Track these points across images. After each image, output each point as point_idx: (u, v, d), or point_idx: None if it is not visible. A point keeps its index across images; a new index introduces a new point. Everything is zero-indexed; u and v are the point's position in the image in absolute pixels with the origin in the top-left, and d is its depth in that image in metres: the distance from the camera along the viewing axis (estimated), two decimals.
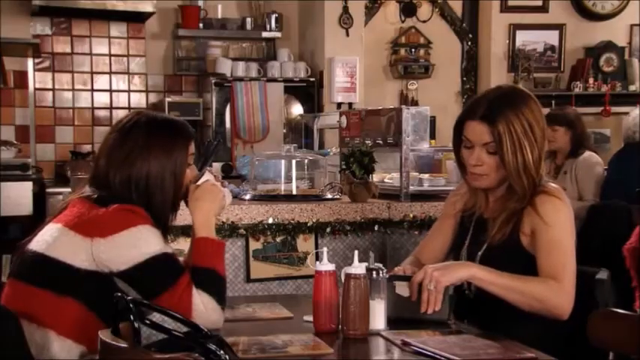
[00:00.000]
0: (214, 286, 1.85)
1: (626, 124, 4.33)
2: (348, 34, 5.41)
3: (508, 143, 1.97)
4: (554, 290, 1.92)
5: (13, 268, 1.90)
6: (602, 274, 2.03)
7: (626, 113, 5.89)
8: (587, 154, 4.28)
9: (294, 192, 3.39)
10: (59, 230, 1.83)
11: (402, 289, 1.97)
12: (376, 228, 3.16)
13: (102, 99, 5.49)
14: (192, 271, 1.85)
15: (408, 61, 5.99)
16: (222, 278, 1.89)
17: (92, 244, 1.78)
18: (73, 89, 5.42)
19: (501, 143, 1.98)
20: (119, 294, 1.45)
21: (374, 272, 1.89)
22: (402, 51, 6.01)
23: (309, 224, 3.09)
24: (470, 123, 2.04)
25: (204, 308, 1.80)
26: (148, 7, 5.09)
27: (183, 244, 2.99)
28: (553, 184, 2.04)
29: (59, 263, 1.79)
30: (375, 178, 3.40)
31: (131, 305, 1.44)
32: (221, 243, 1.95)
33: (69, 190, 3.84)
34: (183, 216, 2.98)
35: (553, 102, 5.57)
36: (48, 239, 1.84)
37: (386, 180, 3.61)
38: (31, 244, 1.87)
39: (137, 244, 1.79)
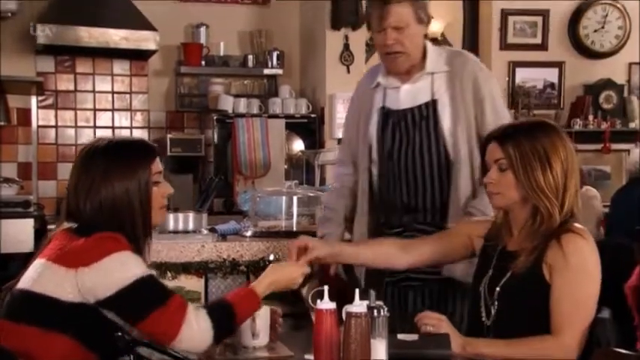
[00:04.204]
0: (220, 314, 1.86)
1: (632, 160, 4.36)
2: (349, 71, 5.46)
3: (518, 159, 2.02)
4: (551, 349, 1.94)
5: (2, 309, 1.89)
6: (604, 313, 2.03)
7: (627, 150, 5.94)
8: (584, 188, 4.30)
9: (295, 228, 3.38)
10: (43, 265, 1.84)
11: (404, 335, 1.99)
12: None
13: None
14: (215, 300, 1.89)
15: None
16: (234, 316, 1.89)
17: (76, 275, 1.78)
18: (76, 126, 5.45)
19: (510, 159, 2.03)
20: (119, 334, 1.45)
21: (375, 311, 1.88)
22: None
23: None
24: (488, 146, 2.12)
25: (195, 324, 1.80)
26: (151, 45, 5.13)
27: (184, 282, 2.99)
28: (579, 225, 2.04)
29: (45, 298, 1.79)
30: None
31: (131, 344, 1.43)
32: (258, 303, 1.97)
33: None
34: (184, 253, 3.00)
35: None
36: (33, 275, 1.84)
37: None
38: (19, 282, 1.87)
39: (121, 268, 1.79)
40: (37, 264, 1.86)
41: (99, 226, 1.86)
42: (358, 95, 2.78)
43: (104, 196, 1.88)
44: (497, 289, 2.06)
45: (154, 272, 1.86)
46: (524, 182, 2.02)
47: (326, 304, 1.86)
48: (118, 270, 1.79)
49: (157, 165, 1.98)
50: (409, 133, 2.58)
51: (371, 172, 2.67)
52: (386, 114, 2.63)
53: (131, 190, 1.90)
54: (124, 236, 1.86)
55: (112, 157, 1.93)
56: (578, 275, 1.96)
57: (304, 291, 2.52)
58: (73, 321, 1.79)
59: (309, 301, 1.96)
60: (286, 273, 2.08)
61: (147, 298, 1.80)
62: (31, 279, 1.84)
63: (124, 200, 1.89)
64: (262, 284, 2.00)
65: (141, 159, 1.95)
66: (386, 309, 1.91)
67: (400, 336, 2.00)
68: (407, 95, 2.60)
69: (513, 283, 2.03)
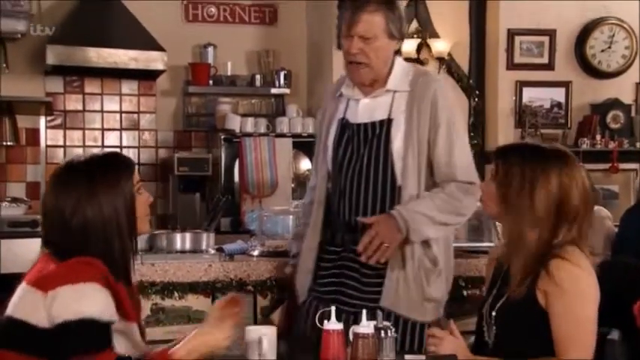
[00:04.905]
0: None
1: None
2: None
3: (501, 174, 2.06)
4: None
5: None
6: (614, 335, 2.01)
7: (634, 170, 5.92)
8: (596, 208, 4.28)
9: None
10: (23, 289, 1.81)
11: (412, 356, 1.98)
12: None
13: None
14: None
15: None
16: None
17: (45, 299, 1.75)
18: (84, 146, 5.48)
19: (497, 172, 2.08)
20: (125, 355, 1.45)
21: (382, 331, 1.88)
22: None
23: None
24: None
25: None
26: (159, 65, 5.17)
27: (191, 301, 2.98)
28: (571, 248, 2.03)
29: (24, 324, 1.76)
30: None
31: None
32: None
33: None
34: (191, 272, 2.99)
35: None
36: (15, 300, 1.82)
37: None
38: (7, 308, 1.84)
39: (78, 300, 1.74)
40: (19, 288, 1.83)
41: (81, 249, 1.81)
42: (324, 103, 2.74)
43: (91, 215, 1.83)
44: (494, 312, 2.06)
45: (108, 318, 1.77)
46: (500, 200, 2.05)
47: (333, 324, 1.85)
48: (72, 301, 1.73)
49: (137, 175, 1.96)
50: (359, 149, 2.50)
51: (327, 184, 2.60)
52: (344, 126, 2.56)
53: (118, 206, 1.87)
54: (104, 260, 1.81)
55: (95, 173, 1.88)
56: (573, 299, 1.95)
57: (274, 317, 2.52)
58: (53, 348, 1.74)
59: (317, 322, 1.95)
60: (210, 339, 1.95)
61: (76, 341, 1.73)
62: (12, 304, 1.81)
63: (112, 217, 1.85)
64: (182, 350, 1.90)
65: (122, 171, 1.92)
66: (393, 330, 1.91)
67: (407, 357, 2.00)
68: (365, 109, 2.54)
69: (509, 309, 2.03)
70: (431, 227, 2.43)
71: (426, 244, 2.47)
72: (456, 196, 2.45)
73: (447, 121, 2.48)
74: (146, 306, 2.88)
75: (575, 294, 1.96)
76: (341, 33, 2.52)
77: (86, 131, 5.50)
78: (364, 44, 2.44)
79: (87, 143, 5.49)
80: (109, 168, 1.91)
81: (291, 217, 3.51)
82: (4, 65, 5.12)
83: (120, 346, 1.82)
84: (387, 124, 2.48)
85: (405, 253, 2.44)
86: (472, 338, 2.17)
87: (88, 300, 1.74)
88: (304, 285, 2.60)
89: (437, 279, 2.51)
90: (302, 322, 2.53)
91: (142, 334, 1.96)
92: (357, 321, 2.37)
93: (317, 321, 1.98)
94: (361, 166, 2.48)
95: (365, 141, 2.50)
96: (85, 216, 1.83)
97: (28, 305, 1.77)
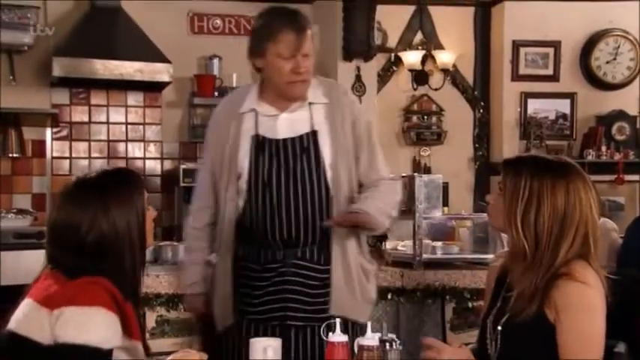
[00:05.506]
0: None
1: None
2: (360, 101, 5.48)
3: (509, 189, 2.03)
4: None
5: None
6: (620, 348, 2.00)
7: None
8: (602, 220, 4.27)
9: None
10: (29, 305, 1.79)
11: None
12: (389, 297, 3.14)
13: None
14: None
15: (420, 127, 6.05)
16: None
17: (51, 317, 1.73)
18: (90, 157, 5.49)
19: (505, 186, 2.05)
20: None
21: (387, 343, 1.88)
22: (415, 118, 6.08)
23: None
24: None
25: None
26: (164, 77, 5.18)
27: None
28: (579, 263, 2.00)
29: (27, 341, 1.74)
30: (388, 245, 3.40)
31: None
32: None
33: None
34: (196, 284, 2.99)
35: None
36: (19, 316, 1.79)
37: (399, 247, 3.61)
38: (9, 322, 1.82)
39: (80, 326, 1.71)
40: (24, 303, 1.81)
41: (92, 266, 1.80)
42: (218, 121, 2.64)
43: (106, 231, 1.82)
44: (499, 327, 2.04)
45: (110, 346, 1.74)
46: (505, 212, 2.03)
47: (338, 336, 1.85)
48: (75, 326, 1.71)
49: (145, 191, 1.96)
50: (289, 164, 2.47)
51: (238, 203, 2.50)
52: (260, 142, 2.50)
53: (131, 221, 1.86)
54: (114, 277, 1.79)
55: (108, 189, 1.87)
56: (580, 314, 1.94)
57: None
58: None
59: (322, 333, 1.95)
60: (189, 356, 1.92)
61: None
62: (16, 320, 1.79)
63: (125, 233, 1.84)
64: None
65: (135, 188, 1.91)
66: (398, 342, 1.90)
67: None
68: (285, 124, 2.51)
69: (515, 324, 2.01)
70: (386, 220, 2.50)
71: (358, 243, 2.52)
72: (391, 191, 2.57)
73: (368, 133, 2.58)
74: (151, 318, 2.89)
75: (581, 309, 1.94)
76: (263, 50, 2.54)
77: (92, 143, 5.50)
78: (306, 61, 2.48)
79: (93, 155, 5.50)
80: (121, 183, 1.90)
81: None
82: (11, 77, 5.14)
83: None
84: (312, 136, 2.49)
85: (346, 255, 2.47)
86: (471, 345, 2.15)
87: (91, 327, 1.72)
88: (226, 308, 2.52)
89: (372, 278, 2.58)
90: (242, 348, 2.38)
91: (146, 349, 1.96)
92: (306, 335, 2.41)
93: (323, 333, 1.97)
94: (295, 180, 2.46)
95: (294, 155, 2.48)
96: (101, 231, 1.82)
97: (32, 322, 1.76)
